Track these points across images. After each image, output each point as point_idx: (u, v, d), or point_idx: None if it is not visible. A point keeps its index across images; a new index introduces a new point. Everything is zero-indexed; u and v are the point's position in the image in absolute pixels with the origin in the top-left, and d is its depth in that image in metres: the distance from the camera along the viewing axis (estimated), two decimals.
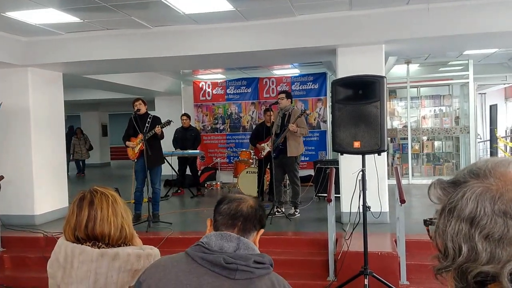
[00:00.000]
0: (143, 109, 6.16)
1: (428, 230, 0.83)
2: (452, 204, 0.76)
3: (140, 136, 6.00)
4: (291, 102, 6.48)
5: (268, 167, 7.36)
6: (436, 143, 9.72)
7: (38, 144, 6.61)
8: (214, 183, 9.67)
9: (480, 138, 10.49)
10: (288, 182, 7.61)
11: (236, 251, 1.43)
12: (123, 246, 1.78)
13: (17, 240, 5.79)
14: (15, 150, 6.49)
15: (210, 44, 6.03)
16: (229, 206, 1.54)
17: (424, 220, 0.84)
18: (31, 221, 6.35)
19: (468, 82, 9.10)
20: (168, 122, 6.16)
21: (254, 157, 8.43)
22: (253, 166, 8.24)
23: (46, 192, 6.68)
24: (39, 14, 5.30)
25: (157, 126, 6.01)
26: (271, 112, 6.61)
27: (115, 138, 13.75)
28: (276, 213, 6.29)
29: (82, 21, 5.63)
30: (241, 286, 1.40)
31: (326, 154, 9.59)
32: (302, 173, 9.11)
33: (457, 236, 0.73)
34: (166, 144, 6.94)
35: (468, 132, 9.19)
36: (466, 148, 9.42)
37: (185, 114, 8.96)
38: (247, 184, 8.12)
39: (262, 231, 1.59)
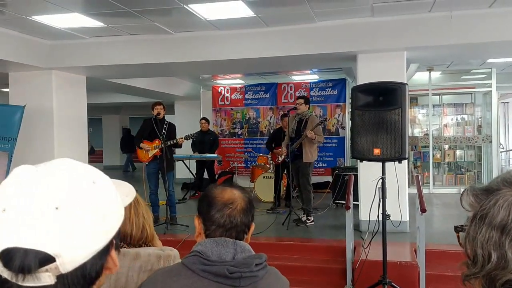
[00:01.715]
0: (162, 114, 6.23)
1: (458, 237, 0.83)
2: (484, 211, 0.76)
3: (158, 141, 6.05)
4: (309, 108, 6.47)
5: (285, 172, 7.34)
6: (458, 152, 9.55)
7: (60, 146, 6.74)
8: None
9: (503, 148, 10.27)
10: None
11: (235, 256, 1.41)
12: (144, 246, 1.81)
13: None
14: (38, 151, 6.62)
15: (231, 50, 6.07)
16: (221, 215, 1.46)
17: (455, 226, 0.84)
18: None
19: (491, 91, 8.95)
20: (192, 136, 6.36)
21: (271, 162, 8.43)
22: (270, 171, 8.24)
23: None
24: (64, 18, 5.44)
25: (181, 137, 6.13)
26: (288, 118, 6.61)
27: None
28: (307, 222, 6.20)
29: (106, 26, 5.74)
30: None
31: (344, 160, 9.52)
32: (320, 179, 9.09)
33: (487, 243, 0.73)
34: (184, 148, 7.02)
35: (491, 142, 9.01)
36: (488, 158, 9.23)
37: (204, 118, 9.05)
38: (263, 189, 8.11)
39: (253, 226, 1.54)
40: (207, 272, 1.37)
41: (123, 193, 0.74)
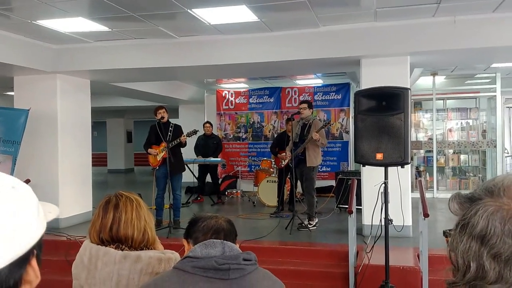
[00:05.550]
0: (166, 117, 6.27)
1: (447, 241, 0.84)
2: (465, 220, 0.76)
3: (164, 144, 6.09)
4: (312, 112, 6.47)
5: (289, 176, 7.33)
6: (462, 157, 9.51)
7: (64, 149, 6.77)
8: (234, 191, 9.70)
9: (508, 153, 10.22)
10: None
11: (223, 254, 1.47)
12: (145, 249, 1.82)
13: None
14: (42, 154, 6.67)
15: (235, 54, 6.09)
16: (208, 223, 1.60)
17: (443, 231, 0.85)
18: (55, 224, 6.47)
19: (495, 96, 8.92)
20: (195, 132, 6.33)
21: (274, 166, 8.43)
22: (273, 175, 8.24)
23: (70, 196, 6.83)
24: (69, 22, 5.48)
25: (183, 135, 6.13)
26: (292, 122, 6.61)
27: (140, 145, 14.13)
28: (309, 226, 6.14)
29: (110, 30, 5.78)
30: (236, 285, 1.42)
31: (348, 165, 9.50)
32: (324, 183, 9.08)
33: (467, 252, 0.74)
34: (188, 152, 7.03)
35: (495, 146, 8.98)
36: (492, 163, 9.20)
37: (208, 122, 9.07)
38: (267, 193, 8.11)
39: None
40: (196, 267, 1.42)
41: (46, 210, 0.72)
